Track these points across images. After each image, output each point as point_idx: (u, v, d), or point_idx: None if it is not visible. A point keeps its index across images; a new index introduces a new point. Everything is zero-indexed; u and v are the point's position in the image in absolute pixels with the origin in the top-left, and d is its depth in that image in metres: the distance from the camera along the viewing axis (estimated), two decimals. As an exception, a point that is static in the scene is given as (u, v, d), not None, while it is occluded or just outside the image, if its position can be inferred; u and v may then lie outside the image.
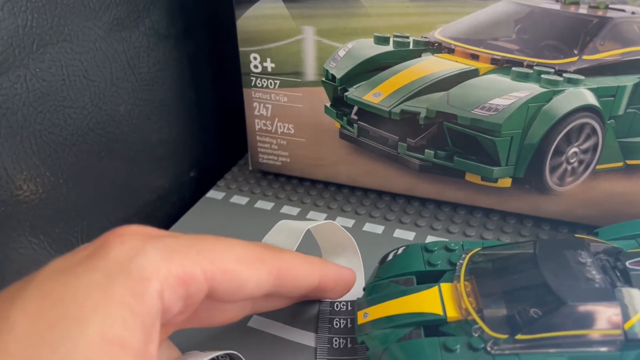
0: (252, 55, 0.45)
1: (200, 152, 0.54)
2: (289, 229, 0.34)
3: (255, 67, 0.46)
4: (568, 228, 0.42)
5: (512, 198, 0.42)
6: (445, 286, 0.32)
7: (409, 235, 0.44)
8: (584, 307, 0.28)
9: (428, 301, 0.32)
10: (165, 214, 0.51)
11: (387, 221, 0.45)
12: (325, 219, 0.46)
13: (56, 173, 0.39)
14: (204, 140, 0.55)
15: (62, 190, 0.40)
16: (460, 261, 0.34)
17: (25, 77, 0.35)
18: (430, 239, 0.43)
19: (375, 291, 0.34)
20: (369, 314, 0.33)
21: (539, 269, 0.30)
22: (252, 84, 0.47)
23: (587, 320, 0.28)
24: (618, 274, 0.30)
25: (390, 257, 0.36)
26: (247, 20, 0.44)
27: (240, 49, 0.46)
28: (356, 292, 0.36)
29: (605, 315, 0.28)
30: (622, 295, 0.29)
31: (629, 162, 0.38)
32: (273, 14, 0.43)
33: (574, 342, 0.28)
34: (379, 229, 0.45)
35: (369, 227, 0.45)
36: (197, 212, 0.48)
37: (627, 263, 0.30)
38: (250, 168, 0.52)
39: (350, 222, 0.46)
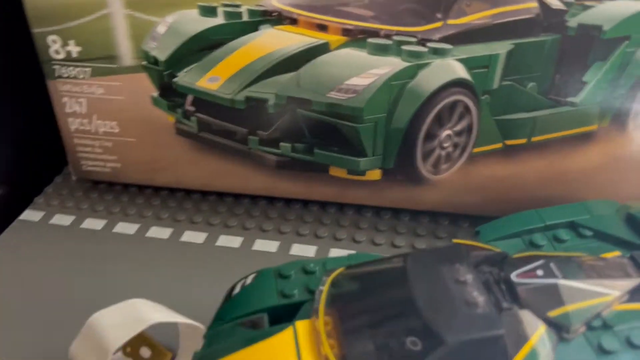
0: (50, 38, 0.35)
1: (6, 162, 0.43)
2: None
3: (57, 52, 0.36)
4: (448, 219, 0.37)
5: (384, 191, 0.36)
6: (301, 325, 0.25)
7: (271, 246, 0.36)
8: (466, 343, 0.22)
9: (281, 349, 0.25)
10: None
11: (246, 230, 0.38)
12: (172, 234, 0.38)
13: None
14: (11, 148, 0.44)
15: None
16: (321, 287, 0.27)
17: None
18: (295, 247, 0.36)
19: (218, 339, 0.27)
20: (208, 375, 0.25)
21: (412, 296, 0.24)
22: (56, 74, 0.36)
23: (471, 358, 0.22)
24: (504, 290, 0.25)
25: (237, 289, 0.29)
26: (35, -7, 0.34)
27: (34, 30, 0.35)
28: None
29: (492, 349, 0.23)
30: (509, 321, 0.23)
31: (508, 142, 0.32)
32: (67, -17, 0.33)
33: (457, 387, 0.22)
34: (236, 241, 0.37)
35: (224, 240, 0.37)
36: (8, 240, 0.38)
37: (512, 275, 0.25)
38: (75, 178, 0.42)
39: (201, 236, 0.38)
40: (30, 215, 0.40)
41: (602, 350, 0.23)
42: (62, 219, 0.40)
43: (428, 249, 0.28)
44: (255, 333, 0.26)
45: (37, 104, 0.45)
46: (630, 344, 0.23)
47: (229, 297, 0.29)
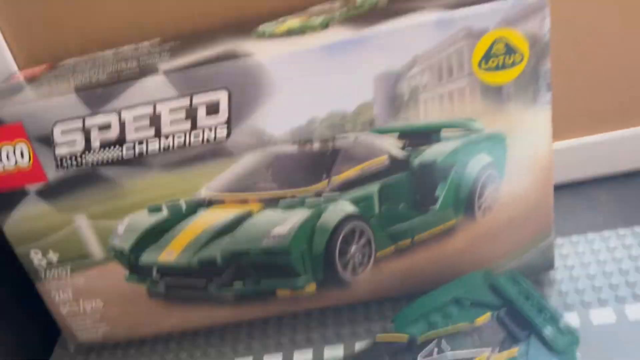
0: (32, 253, 0.44)
1: (12, 347, 0.51)
2: None
3: (40, 261, 0.44)
4: (376, 303, 0.48)
5: (322, 297, 0.46)
6: None
7: (247, 362, 0.46)
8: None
9: None
10: None
11: (222, 355, 0.47)
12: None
13: None
14: (15, 335, 0.51)
15: None
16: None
17: None
18: (268, 358, 0.46)
19: None
20: None
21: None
22: (43, 277, 0.45)
23: None
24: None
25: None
26: (14, 224, 0.42)
27: (17, 249, 0.44)
28: None
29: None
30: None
31: (399, 244, 0.44)
32: (40, 213, 0.42)
33: None
34: (218, 365, 0.46)
35: (208, 367, 0.46)
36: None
37: (418, 358, 0.36)
38: (72, 350, 0.50)
39: (190, 369, 0.47)
40: (43, 389, 0.48)
41: (488, 395, 0.34)
42: (72, 385, 0.48)
43: (360, 351, 0.38)
44: None
45: (23, 295, 0.53)
46: (504, 385, 0.34)
47: None
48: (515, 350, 0.36)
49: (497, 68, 0.37)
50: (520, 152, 0.40)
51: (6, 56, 0.49)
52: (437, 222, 0.43)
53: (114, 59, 0.43)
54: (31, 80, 0.44)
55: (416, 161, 0.40)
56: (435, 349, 0.36)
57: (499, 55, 0.36)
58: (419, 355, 0.36)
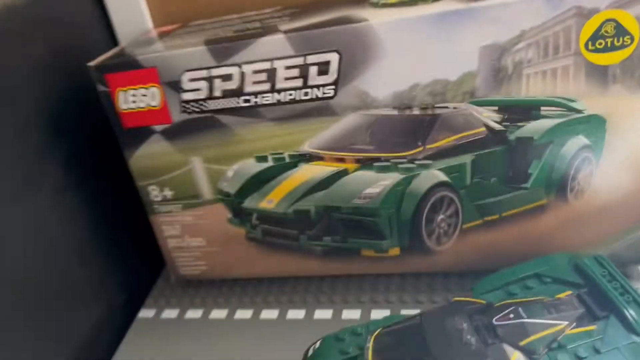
0: (150, 187, 0.49)
1: (125, 275, 0.57)
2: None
3: (156, 196, 0.50)
4: (457, 276, 0.49)
5: (404, 261, 0.49)
6: (359, 372, 0.38)
7: (327, 314, 0.49)
8: (465, 372, 0.34)
9: (348, 389, 0.37)
10: (106, 343, 0.54)
11: (307, 304, 0.51)
12: (253, 314, 0.51)
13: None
14: (128, 264, 0.58)
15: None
16: (367, 344, 0.39)
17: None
18: (345, 313, 0.49)
19: (304, 389, 0.39)
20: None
21: (427, 343, 0.36)
22: (156, 211, 0.51)
23: (470, 381, 0.34)
24: (489, 330, 0.37)
25: (310, 352, 0.41)
26: (138, 160, 0.48)
27: (138, 183, 0.50)
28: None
29: (483, 373, 0.35)
30: (494, 352, 0.35)
31: (486, 218, 0.45)
32: (161, 151, 0.47)
33: (464, 401, 0.34)
34: (300, 314, 0.50)
35: (291, 314, 0.50)
36: (134, 335, 0.52)
37: (494, 320, 0.37)
38: (173, 280, 0.55)
39: (274, 313, 0.51)
40: (145, 313, 0.54)
41: (559, 364, 0.35)
42: (170, 313, 0.53)
43: (436, 307, 0.40)
44: (328, 381, 0.38)
45: (139, 226, 0.59)
46: (578, 357, 0.35)
47: (305, 358, 0.41)
48: (592, 328, 0.36)
49: (604, 49, 0.37)
50: (620, 138, 0.40)
51: (145, 15, 0.55)
52: (527, 200, 0.43)
53: (239, 21, 0.47)
54: (164, 35, 0.50)
55: (513, 136, 0.41)
56: (512, 315, 0.37)
57: (607, 37, 0.37)
58: (494, 318, 0.37)
